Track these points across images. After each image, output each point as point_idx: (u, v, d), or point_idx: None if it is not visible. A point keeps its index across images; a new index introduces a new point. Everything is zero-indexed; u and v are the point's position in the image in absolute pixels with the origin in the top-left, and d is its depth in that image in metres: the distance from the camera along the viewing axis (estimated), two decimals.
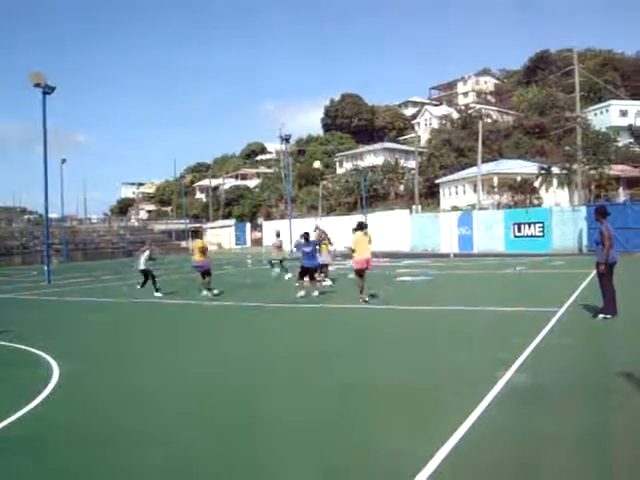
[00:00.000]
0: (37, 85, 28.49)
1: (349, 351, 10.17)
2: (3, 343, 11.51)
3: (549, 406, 6.52)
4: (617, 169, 59.12)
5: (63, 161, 63.69)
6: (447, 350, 9.73)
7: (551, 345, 9.69)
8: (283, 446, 5.61)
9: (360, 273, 16.11)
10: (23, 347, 10.98)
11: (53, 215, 62.87)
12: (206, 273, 19.47)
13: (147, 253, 20.81)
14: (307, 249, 17.95)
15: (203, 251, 19.71)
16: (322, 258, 20.84)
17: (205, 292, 19.16)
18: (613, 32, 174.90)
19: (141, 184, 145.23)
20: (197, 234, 19.53)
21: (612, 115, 79.79)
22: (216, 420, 6.52)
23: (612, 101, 79.37)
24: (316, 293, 17.97)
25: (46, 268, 29.13)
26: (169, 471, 5.13)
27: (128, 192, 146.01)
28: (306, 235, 18.50)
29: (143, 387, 8.13)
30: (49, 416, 6.89)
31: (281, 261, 25.74)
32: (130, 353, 10.66)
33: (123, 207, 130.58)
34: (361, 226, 16.92)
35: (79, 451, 5.68)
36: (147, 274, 20.60)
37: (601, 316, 11.88)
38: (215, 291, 19.18)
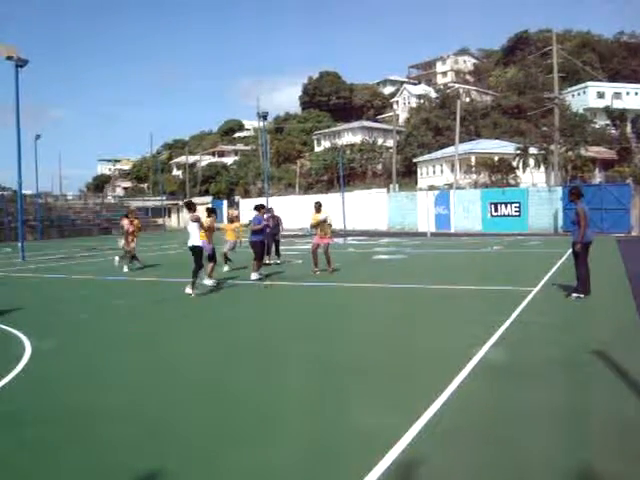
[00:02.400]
0: (9, 58, 27.90)
1: (324, 329, 10.16)
2: None
3: (522, 381, 6.58)
4: (593, 150, 59.55)
5: (37, 137, 62.76)
6: (422, 327, 9.76)
7: (525, 323, 9.76)
8: (259, 422, 5.58)
9: (314, 249, 17.86)
10: None
11: (27, 191, 61.99)
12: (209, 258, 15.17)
13: (196, 223, 14.36)
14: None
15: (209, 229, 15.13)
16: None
17: (207, 281, 15.01)
18: (592, 14, 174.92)
19: (117, 161, 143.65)
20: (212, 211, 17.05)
21: (589, 97, 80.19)
22: (190, 395, 6.48)
23: (589, 83, 79.78)
24: (254, 276, 16.33)
25: (20, 245, 28.72)
26: (140, 444, 5.11)
27: (104, 169, 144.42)
28: (256, 207, 17.13)
29: (117, 364, 8.06)
30: (22, 393, 6.80)
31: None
32: (104, 330, 10.54)
33: (99, 184, 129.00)
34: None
35: (52, 427, 5.62)
36: (199, 255, 14.27)
37: (574, 295, 11.98)
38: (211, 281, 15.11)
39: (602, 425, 5.26)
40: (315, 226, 17.85)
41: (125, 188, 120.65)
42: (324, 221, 17.75)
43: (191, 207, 15.01)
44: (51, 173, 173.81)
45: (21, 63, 28.16)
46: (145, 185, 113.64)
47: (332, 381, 6.90)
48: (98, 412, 6.02)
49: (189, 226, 14.44)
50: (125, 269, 19.93)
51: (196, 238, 14.22)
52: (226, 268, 19.15)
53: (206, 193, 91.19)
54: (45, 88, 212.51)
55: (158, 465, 4.67)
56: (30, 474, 4.63)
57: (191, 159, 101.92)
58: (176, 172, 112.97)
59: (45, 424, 5.72)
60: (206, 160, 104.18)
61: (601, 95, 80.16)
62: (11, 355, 8.40)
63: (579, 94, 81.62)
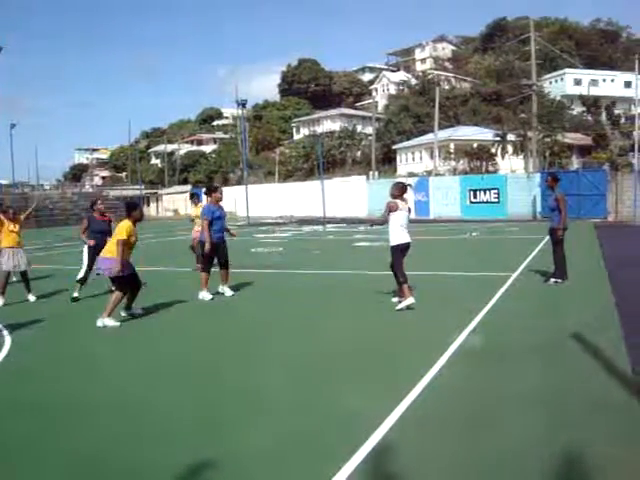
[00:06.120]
0: None
1: (302, 317, 10.18)
2: None
3: (502, 366, 6.66)
4: (571, 137, 59.96)
5: (13, 126, 62.33)
6: (401, 314, 9.79)
7: (504, 309, 9.86)
8: (241, 412, 5.62)
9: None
10: None
11: (4, 181, 61.37)
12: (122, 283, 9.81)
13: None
14: (221, 214, 12.04)
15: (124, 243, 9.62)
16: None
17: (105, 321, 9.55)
18: (568, 1, 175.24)
19: (95, 150, 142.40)
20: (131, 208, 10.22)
21: (567, 83, 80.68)
22: (174, 387, 6.48)
23: (567, 70, 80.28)
24: (228, 292, 12.14)
25: None
26: (121, 436, 5.10)
27: (82, 158, 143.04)
28: (209, 190, 12.23)
29: (98, 354, 8.04)
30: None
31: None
32: (84, 321, 10.47)
33: (77, 173, 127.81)
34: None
35: (33, 419, 5.60)
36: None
37: (552, 280, 12.12)
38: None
39: (581, 407, 5.34)
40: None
41: (103, 177, 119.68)
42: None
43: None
44: (27, 163, 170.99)
45: None
46: (123, 174, 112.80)
47: (314, 369, 6.93)
48: (83, 404, 6.01)
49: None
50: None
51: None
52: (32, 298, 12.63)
53: (185, 182, 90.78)
54: (20, 77, 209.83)
55: (145, 454, 4.69)
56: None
57: (170, 148, 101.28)
58: (154, 161, 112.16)
59: (29, 417, 5.71)
60: (185, 149, 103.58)
61: (578, 82, 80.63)
62: None
63: (557, 81, 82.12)
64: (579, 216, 33.72)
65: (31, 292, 12.64)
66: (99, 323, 9.52)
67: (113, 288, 10.04)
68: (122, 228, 9.71)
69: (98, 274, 10.67)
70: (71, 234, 38.90)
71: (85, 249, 12.51)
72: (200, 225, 14.24)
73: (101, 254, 9.97)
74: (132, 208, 10.16)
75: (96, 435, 5.10)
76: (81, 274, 12.35)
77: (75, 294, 12.14)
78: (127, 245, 9.71)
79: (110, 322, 9.53)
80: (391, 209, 10.23)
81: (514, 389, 5.86)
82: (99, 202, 13.16)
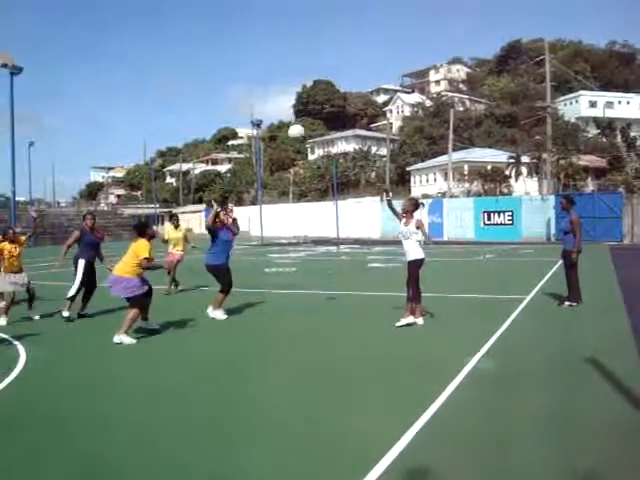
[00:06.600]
0: (4, 66, 27.92)
1: (315, 337, 10.16)
2: None
3: (515, 389, 6.62)
4: (586, 159, 59.82)
5: (31, 144, 62.90)
6: (415, 335, 9.77)
7: (517, 332, 9.81)
8: (252, 429, 5.62)
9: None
10: None
11: (21, 198, 61.97)
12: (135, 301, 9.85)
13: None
14: (227, 237, 11.79)
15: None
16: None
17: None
18: (584, 23, 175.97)
19: (111, 168, 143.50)
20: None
21: (582, 106, 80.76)
22: (184, 403, 6.48)
23: (582, 92, 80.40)
24: (219, 315, 11.65)
25: None
26: (134, 449, 5.12)
27: (97, 176, 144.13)
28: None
29: (112, 370, 8.07)
30: (16, 400, 6.81)
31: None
32: (98, 337, 10.52)
33: (92, 191, 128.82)
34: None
35: (47, 433, 5.62)
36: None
37: (567, 303, 12.05)
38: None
39: (594, 430, 5.32)
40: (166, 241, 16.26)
41: (118, 195, 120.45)
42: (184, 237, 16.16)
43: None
44: (44, 180, 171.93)
45: (16, 71, 28.19)
46: (139, 192, 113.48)
47: (325, 389, 6.91)
48: (95, 419, 6.02)
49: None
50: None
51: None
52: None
53: (200, 201, 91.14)
54: (38, 96, 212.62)
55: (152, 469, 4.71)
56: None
57: (185, 167, 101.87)
58: (169, 180, 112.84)
59: (41, 431, 5.72)
60: (200, 168, 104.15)
61: (593, 104, 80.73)
62: (5, 362, 8.32)
63: (571, 103, 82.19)
64: (594, 239, 33.58)
65: (33, 310, 12.39)
66: (116, 339, 9.57)
67: (129, 305, 10.07)
68: (144, 248, 9.79)
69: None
70: None
71: (81, 263, 12.47)
72: (176, 247, 16.05)
73: (116, 273, 9.97)
74: (144, 227, 10.26)
75: (107, 450, 5.12)
76: (72, 291, 12.18)
77: (65, 313, 11.87)
78: (149, 261, 9.86)
79: (127, 339, 9.57)
80: (421, 225, 11.07)
81: (527, 412, 5.84)
82: (89, 217, 12.99)
